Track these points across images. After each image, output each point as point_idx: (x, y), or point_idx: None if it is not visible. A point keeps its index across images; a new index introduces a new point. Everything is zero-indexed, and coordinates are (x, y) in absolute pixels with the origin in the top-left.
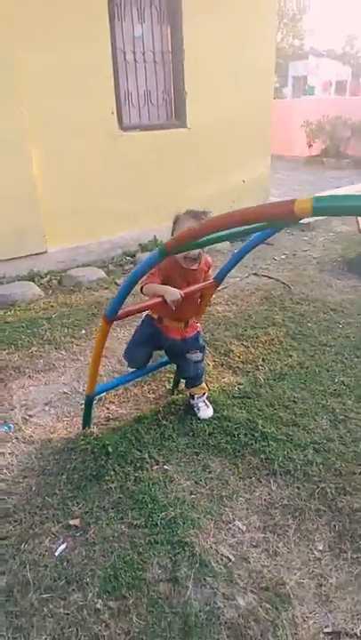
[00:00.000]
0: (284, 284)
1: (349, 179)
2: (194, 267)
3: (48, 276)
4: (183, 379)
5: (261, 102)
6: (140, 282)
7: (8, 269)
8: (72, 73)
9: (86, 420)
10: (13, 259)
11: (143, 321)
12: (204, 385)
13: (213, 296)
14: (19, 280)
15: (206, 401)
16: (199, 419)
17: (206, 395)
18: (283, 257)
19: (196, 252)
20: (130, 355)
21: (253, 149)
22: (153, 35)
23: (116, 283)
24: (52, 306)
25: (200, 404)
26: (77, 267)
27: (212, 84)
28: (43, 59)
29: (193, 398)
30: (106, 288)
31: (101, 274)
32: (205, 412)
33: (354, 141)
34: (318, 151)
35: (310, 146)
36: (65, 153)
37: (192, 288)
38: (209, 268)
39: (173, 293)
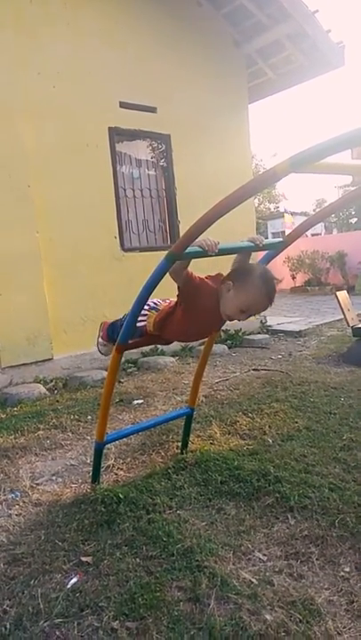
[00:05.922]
0: (283, 372)
1: (334, 301)
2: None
3: (53, 382)
4: None
5: (246, 233)
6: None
7: (15, 374)
8: (82, 206)
9: (95, 472)
10: (20, 365)
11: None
12: None
13: (216, 382)
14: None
15: None
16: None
17: None
18: (279, 357)
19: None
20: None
21: None
22: (149, 176)
23: (120, 381)
24: (57, 401)
25: None
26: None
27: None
28: (58, 196)
29: None
30: None
31: (105, 374)
32: None
33: (333, 271)
34: (301, 282)
35: (294, 278)
36: (74, 270)
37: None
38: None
39: None
